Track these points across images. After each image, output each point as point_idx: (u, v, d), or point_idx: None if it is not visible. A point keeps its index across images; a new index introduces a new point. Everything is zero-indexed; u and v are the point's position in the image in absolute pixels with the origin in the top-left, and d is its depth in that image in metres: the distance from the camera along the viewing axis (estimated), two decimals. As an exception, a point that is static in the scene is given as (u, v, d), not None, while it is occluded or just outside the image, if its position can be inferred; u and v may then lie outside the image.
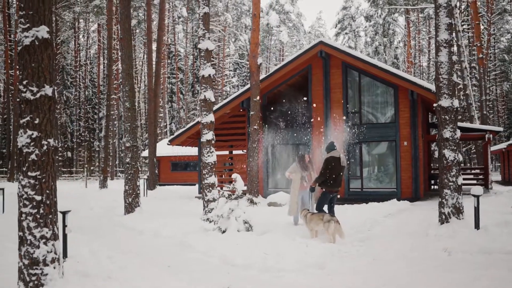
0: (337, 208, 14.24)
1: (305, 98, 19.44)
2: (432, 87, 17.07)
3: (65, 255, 7.39)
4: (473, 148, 39.63)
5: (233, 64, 59.87)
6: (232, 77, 58.83)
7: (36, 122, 5.42)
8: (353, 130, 18.35)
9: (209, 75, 12.73)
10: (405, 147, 17.59)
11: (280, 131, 19.17)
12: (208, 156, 12.61)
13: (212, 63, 47.14)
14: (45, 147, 5.47)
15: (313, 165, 11.27)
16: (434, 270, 7.03)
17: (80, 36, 57.89)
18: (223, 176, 22.51)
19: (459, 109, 11.03)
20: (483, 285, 6.19)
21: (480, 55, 25.66)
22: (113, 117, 47.52)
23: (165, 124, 52.41)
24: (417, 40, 54.57)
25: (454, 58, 10.27)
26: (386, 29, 56.59)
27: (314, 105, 18.73)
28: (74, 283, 5.75)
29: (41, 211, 5.46)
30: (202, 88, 12.78)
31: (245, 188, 22.10)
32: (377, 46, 57.00)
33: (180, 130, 21.10)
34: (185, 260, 7.82)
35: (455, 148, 9.90)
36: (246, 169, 18.71)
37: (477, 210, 8.90)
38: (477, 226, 8.87)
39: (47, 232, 5.49)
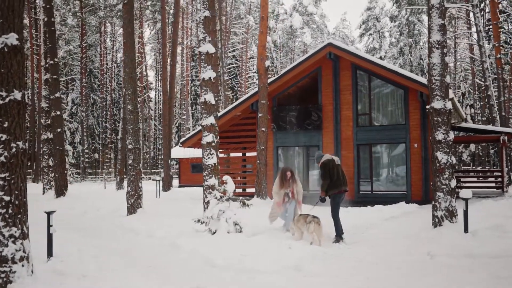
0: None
1: (315, 100, 19.43)
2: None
3: (50, 254, 7.62)
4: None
5: (256, 66, 60.02)
6: (257, 79, 58.95)
7: (5, 125, 5.63)
8: (363, 132, 18.24)
9: (209, 78, 12.87)
10: (415, 149, 17.38)
11: (290, 132, 19.18)
12: (208, 158, 12.75)
13: (235, 65, 47.30)
14: (14, 150, 5.67)
15: (296, 181, 10.56)
16: (412, 273, 6.99)
17: (107, 40, 58.98)
18: (239, 178, 22.62)
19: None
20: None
21: (498, 55, 25.14)
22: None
23: (188, 126, 52.93)
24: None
25: (447, 59, 10.11)
26: (412, 30, 55.81)
27: (324, 107, 18.68)
28: (43, 281, 5.95)
29: (10, 211, 5.67)
30: (202, 91, 12.94)
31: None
32: (402, 46, 56.26)
33: (191, 133, 21.35)
34: (168, 260, 7.95)
35: (448, 150, 9.79)
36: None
37: (466, 213, 8.78)
38: (466, 229, 8.75)
39: (15, 232, 5.71)
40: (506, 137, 19.00)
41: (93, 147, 57.69)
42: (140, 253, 8.52)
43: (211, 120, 12.94)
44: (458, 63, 56.32)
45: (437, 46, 9.89)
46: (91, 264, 7.32)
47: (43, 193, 21.90)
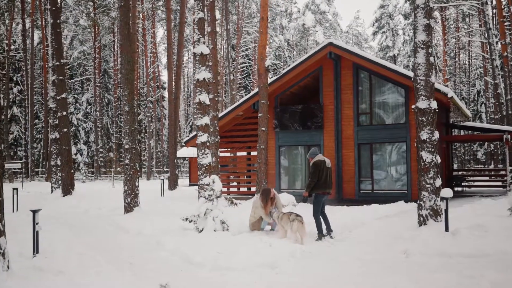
0: (333, 209, 14.36)
1: (317, 99, 19.53)
2: (442, 88, 16.83)
3: (36, 251, 7.92)
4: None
5: (271, 65, 60.06)
6: (270, 78, 58.90)
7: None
8: (364, 131, 18.29)
9: (204, 78, 13.04)
10: (415, 148, 17.29)
11: (292, 132, 19.32)
12: (203, 157, 12.92)
13: (248, 64, 47.41)
14: (-11, 151, 5.93)
15: (278, 201, 10.42)
16: (382, 271, 7.10)
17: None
18: (245, 177, 22.85)
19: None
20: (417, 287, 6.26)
21: (505, 53, 24.90)
22: (149, 118, 48.86)
23: (200, 125, 53.13)
24: (458, 38, 53.08)
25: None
26: (425, 27, 55.21)
27: (325, 106, 18.77)
28: (19, 276, 6.21)
29: (-15, 209, 5.94)
30: (197, 91, 13.11)
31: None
32: (415, 44, 55.72)
33: (194, 133, 21.58)
34: (149, 257, 8.18)
35: (432, 150, 9.85)
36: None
37: (446, 212, 8.84)
38: (446, 228, 8.81)
39: (-9, 229, 5.97)
40: (509, 136, 18.85)
41: (108, 146, 58.36)
42: (124, 251, 8.76)
43: (205, 120, 13.10)
44: (473, 60, 55.73)
45: (422, 46, 9.94)
46: (73, 261, 7.57)
47: (51, 192, 22.37)
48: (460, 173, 28.18)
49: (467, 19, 50.73)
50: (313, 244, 9.05)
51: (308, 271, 7.19)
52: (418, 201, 9.96)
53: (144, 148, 54.65)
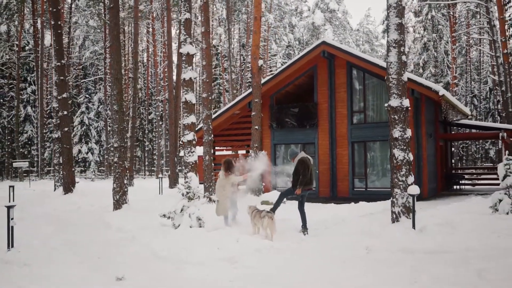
0: (320, 206, 14.56)
1: (312, 98, 19.66)
2: (433, 85, 16.84)
3: (11, 245, 8.24)
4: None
5: (282, 64, 60.19)
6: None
7: None
8: (357, 130, 18.37)
9: (190, 78, 13.31)
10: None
11: (287, 130, 19.49)
12: (189, 155, 13.21)
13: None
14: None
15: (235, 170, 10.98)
16: (341, 266, 7.28)
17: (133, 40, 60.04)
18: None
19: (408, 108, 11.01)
20: (364, 280, 6.43)
21: (505, 51, 24.69)
22: (158, 117, 49.35)
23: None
24: (468, 35, 52.56)
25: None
26: (436, 24, 54.88)
27: (319, 104, 18.90)
28: (-18, 268, 6.53)
29: None
30: (183, 91, 13.38)
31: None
32: (425, 42, 55.40)
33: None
34: (119, 252, 8.44)
35: (405, 147, 9.96)
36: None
37: (413, 209, 8.96)
38: (413, 225, 8.92)
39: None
40: (505, 134, 18.76)
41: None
42: (99, 245, 9.04)
43: (191, 119, 13.37)
44: (484, 57, 55.12)
45: (394, 45, 10.05)
46: (44, 255, 7.87)
47: (54, 190, 22.85)
48: (468, 171, 28.07)
49: (477, 16, 50.20)
50: (283, 240, 9.19)
51: (268, 266, 7.36)
52: (391, 198, 10.08)
53: (154, 147, 55.17)
